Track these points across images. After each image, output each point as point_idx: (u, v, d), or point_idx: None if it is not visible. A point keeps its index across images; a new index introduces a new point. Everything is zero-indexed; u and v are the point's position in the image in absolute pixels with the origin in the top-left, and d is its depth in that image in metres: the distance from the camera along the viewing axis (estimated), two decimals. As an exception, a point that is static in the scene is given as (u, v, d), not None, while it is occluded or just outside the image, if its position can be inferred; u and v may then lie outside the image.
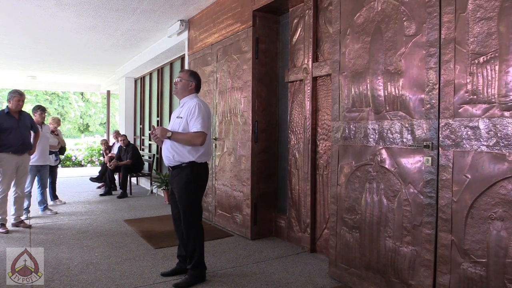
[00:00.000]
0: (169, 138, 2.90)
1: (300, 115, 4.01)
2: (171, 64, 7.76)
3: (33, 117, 5.10)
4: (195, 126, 2.85)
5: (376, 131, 2.73)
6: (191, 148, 2.89)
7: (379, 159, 2.71)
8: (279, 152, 4.41)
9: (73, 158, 14.16)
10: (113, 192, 7.36)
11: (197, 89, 3.10)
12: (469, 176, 2.15)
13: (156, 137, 2.97)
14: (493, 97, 2.06)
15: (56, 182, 6.35)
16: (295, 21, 4.08)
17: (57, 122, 6.27)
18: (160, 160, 8.31)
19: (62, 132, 6.61)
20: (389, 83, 2.65)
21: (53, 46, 7.57)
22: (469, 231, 2.15)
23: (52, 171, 6.11)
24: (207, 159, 3.01)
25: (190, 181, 2.90)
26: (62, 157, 7.43)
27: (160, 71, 8.47)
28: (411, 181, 2.48)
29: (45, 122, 5.71)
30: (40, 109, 5.47)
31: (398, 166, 2.57)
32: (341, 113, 3.05)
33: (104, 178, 7.61)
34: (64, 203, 6.32)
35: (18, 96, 4.47)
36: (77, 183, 8.84)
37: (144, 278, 3.09)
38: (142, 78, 9.86)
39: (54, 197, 6.28)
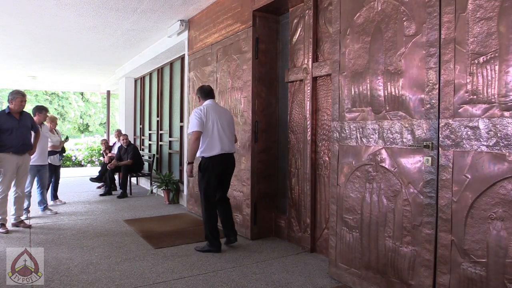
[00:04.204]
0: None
1: (300, 115, 4.01)
2: (171, 64, 7.76)
3: (33, 117, 5.09)
4: None
5: (376, 131, 2.73)
6: (198, 147, 3.68)
7: (379, 159, 2.71)
8: (279, 152, 4.41)
9: (73, 158, 14.16)
10: (113, 192, 7.36)
11: (203, 98, 3.83)
12: (469, 176, 2.15)
13: None
14: (493, 97, 2.06)
15: (59, 182, 6.36)
16: (295, 21, 4.08)
17: (54, 121, 6.17)
18: (160, 160, 8.31)
19: (62, 132, 6.57)
20: (389, 83, 2.65)
21: (53, 46, 7.57)
22: (469, 231, 2.15)
23: (56, 171, 6.13)
24: (212, 153, 3.64)
25: (198, 170, 3.74)
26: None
27: (160, 71, 8.46)
28: (411, 181, 2.48)
29: (44, 122, 5.70)
30: (45, 109, 5.46)
31: (398, 166, 2.57)
32: (341, 113, 3.05)
33: (104, 178, 7.60)
34: (64, 203, 6.32)
35: (21, 97, 4.47)
36: (77, 183, 8.85)
37: (144, 278, 3.09)
38: (142, 78, 9.86)
39: (54, 197, 6.27)
